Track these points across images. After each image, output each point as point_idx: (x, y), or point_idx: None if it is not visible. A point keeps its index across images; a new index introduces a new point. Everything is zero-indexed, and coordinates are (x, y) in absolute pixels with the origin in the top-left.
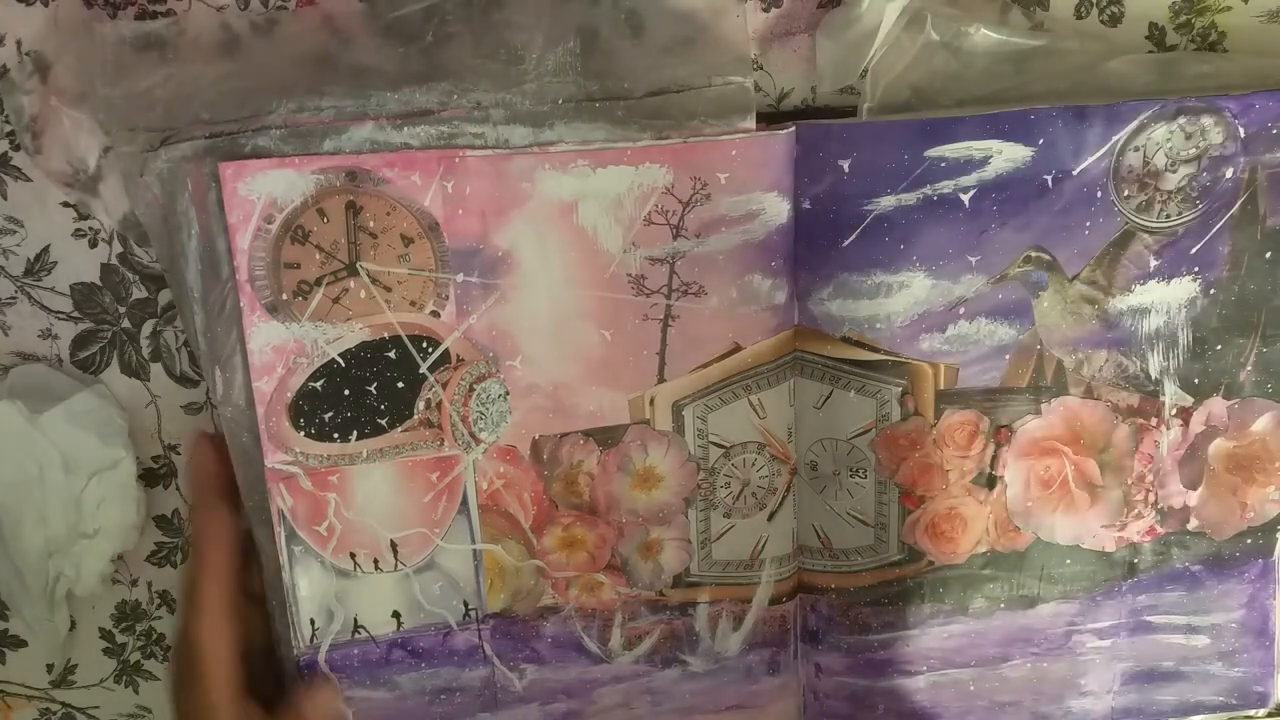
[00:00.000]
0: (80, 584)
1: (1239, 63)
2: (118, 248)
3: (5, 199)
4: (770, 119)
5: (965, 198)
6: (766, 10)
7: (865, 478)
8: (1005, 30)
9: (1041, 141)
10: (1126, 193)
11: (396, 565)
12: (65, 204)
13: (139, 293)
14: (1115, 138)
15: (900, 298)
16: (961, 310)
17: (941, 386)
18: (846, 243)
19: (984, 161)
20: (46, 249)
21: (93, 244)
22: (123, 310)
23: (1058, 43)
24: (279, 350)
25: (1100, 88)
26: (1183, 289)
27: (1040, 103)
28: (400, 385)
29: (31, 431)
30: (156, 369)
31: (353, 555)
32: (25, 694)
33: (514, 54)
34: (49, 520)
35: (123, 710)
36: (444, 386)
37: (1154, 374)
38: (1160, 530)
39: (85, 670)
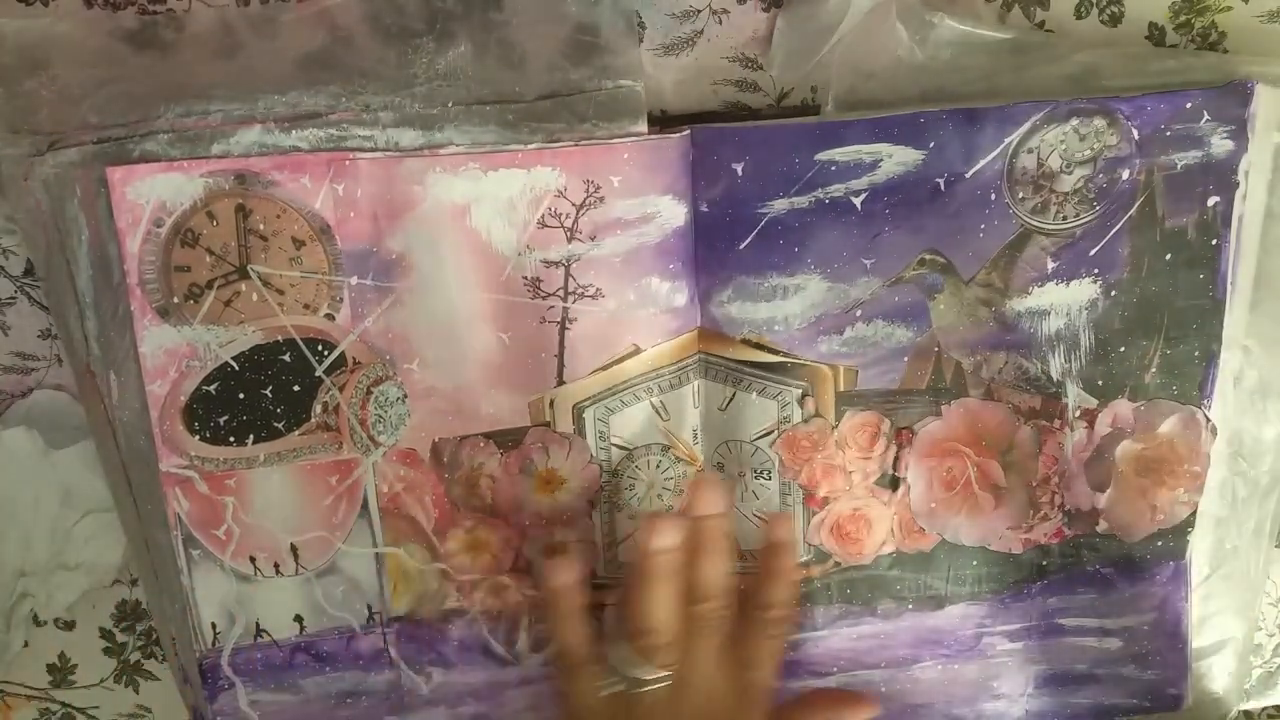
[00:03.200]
0: (48, 610)
1: (1207, 59)
2: None
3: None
4: (770, 117)
5: (857, 201)
6: (766, 10)
7: (770, 479)
8: (970, 21)
9: (932, 145)
10: (1021, 195)
11: (297, 569)
12: None
13: None
14: (1007, 140)
15: (797, 300)
16: (858, 313)
17: (841, 388)
18: (743, 245)
19: (874, 165)
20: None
21: None
22: None
23: (1025, 36)
24: (171, 353)
25: (1069, 81)
26: (1082, 291)
27: (1008, 96)
28: (296, 388)
29: (42, 463)
30: None
31: (252, 559)
32: (25, 694)
33: (404, 57)
34: (32, 544)
35: (123, 710)
36: (341, 390)
37: (1056, 376)
38: (1068, 532)
39: (85, 670)
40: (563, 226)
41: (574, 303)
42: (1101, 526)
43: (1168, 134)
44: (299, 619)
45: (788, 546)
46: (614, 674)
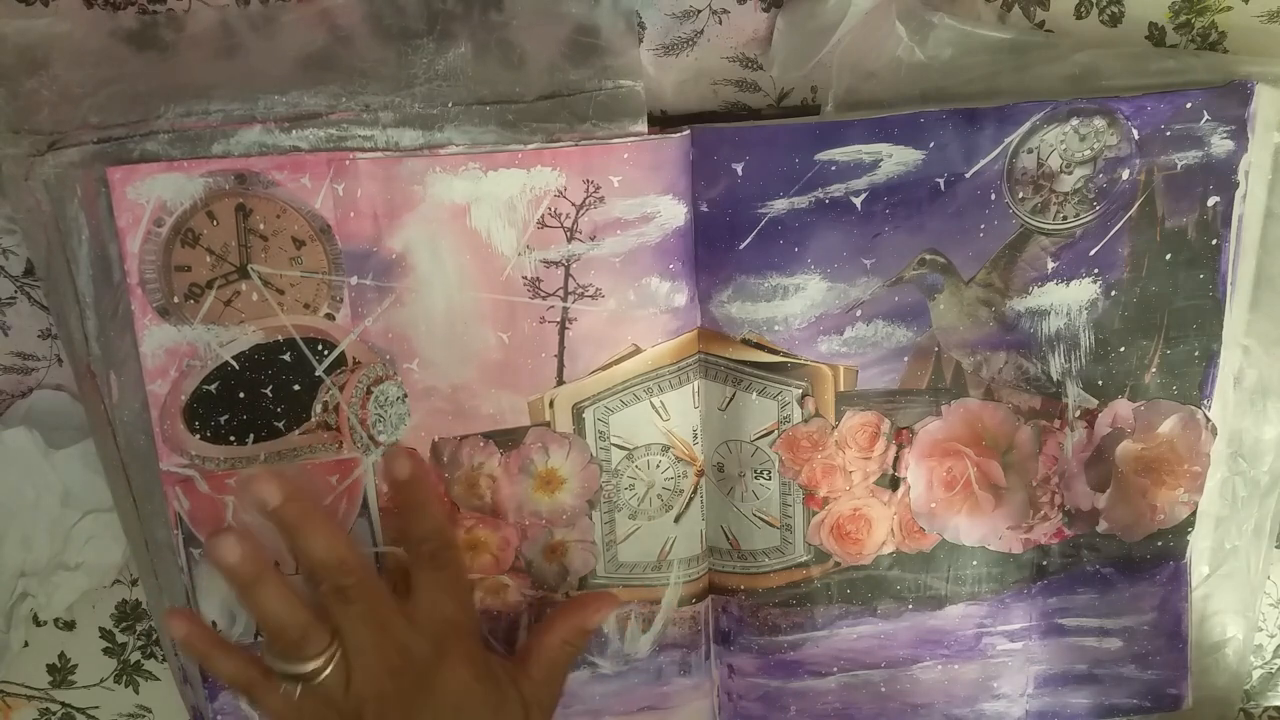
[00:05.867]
0: (48, 610)
1: (1207, 59)
2: None
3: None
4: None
5: (857, 201)
6: (766, 10)
7: (770, 479)
8: (970, 21)
9: (932, 145)
10: (1021, 195)
11: (297, 568)
12: None
13: None
14: (1007, 140)
15: (797, 300)
16: (858, 313)
17: (841, 388)
18: (743, 245)
19: (874, 165)
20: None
21: None
22: None
23: (1025, 36)
24: (171, 353)
25: (1069, 81)
26: (1083, 291)
27: (1008, 96)
28: (296, 388)
29: (42, 463)
30: None
31: None
32: (25, 694)
33: (404, 57)
34: (32, 544)
35: (123, 710)
36: (341, 389)
37: (1056, 376)
38: (1068, 532)
39: (85, 670)
40: (563, 226)
41: (574, 303)
42: (1101, 526)
43: (1168, 134)
44: None
45: (412, 480)
46: (284, 683)
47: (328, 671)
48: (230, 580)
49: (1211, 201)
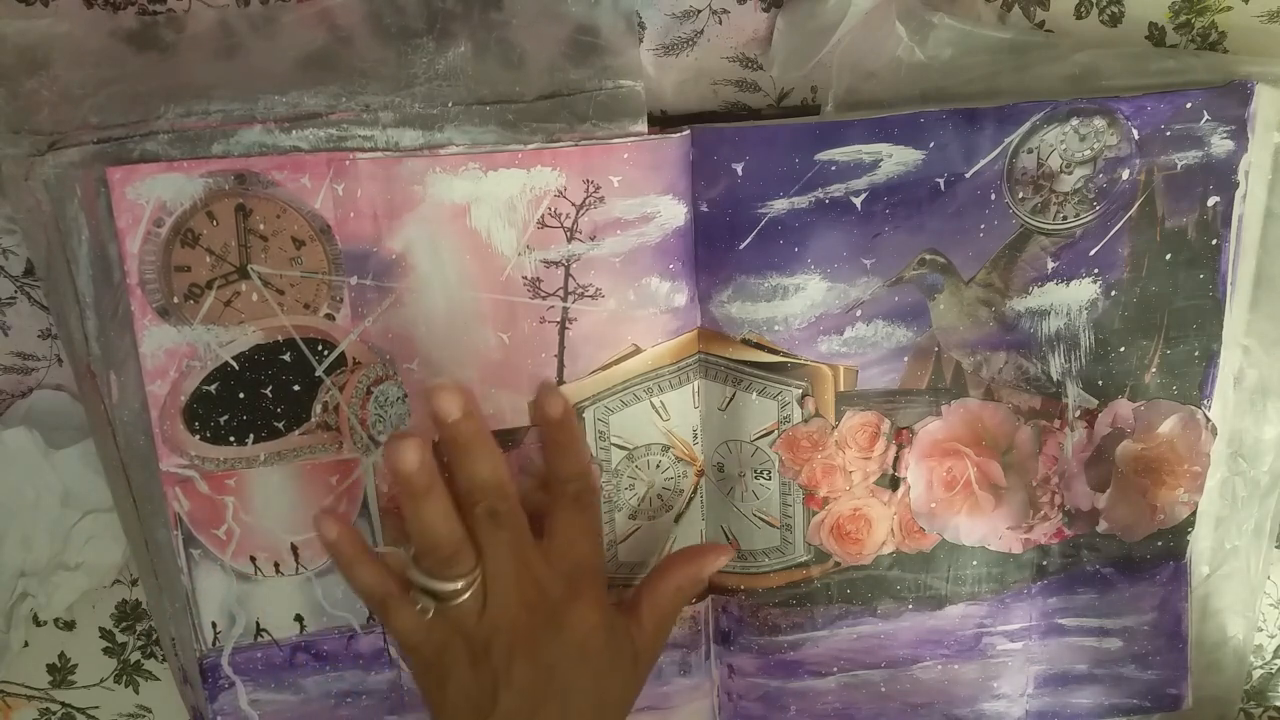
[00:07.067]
0: (48, 610)
1: (1207, 59)
2: None
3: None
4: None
5: (857, 201)
6: (766, 10)
7: (770, 479)
8: (970, 21)
9: (932, 145)
10: (1021, 195)
11: (298, 569)
12: None
13: None
14: (1007, 140)
15: (797, 300)
16: (858, 312)
17: (841, 388)
18: (743, 245)
19: (874, 165)
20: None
21: None
22: None
23: (1025, 36)
24: (171, 353)
25: (1069, 81)
26: (1083, 291)
27: (1008, 96)
28: (296, 388)
29: (42, 463)
30: None
31: (253, 559)
32: (25, 694)
33: (404, 57)
34: (32, 545)
35: (123, 710)
36: (341, 389)
37: (1056, 376)
38: (1068, 532)
39: (85, 670)
40: (563, 226)
41: (574, 303)
42: (1101, 526)
43: (1168, 134)
44: (299, 619)
45: (564, 420)
46: (421, 599)
47: (467, 595)
48: (401, 486)
49: (1211, 201)
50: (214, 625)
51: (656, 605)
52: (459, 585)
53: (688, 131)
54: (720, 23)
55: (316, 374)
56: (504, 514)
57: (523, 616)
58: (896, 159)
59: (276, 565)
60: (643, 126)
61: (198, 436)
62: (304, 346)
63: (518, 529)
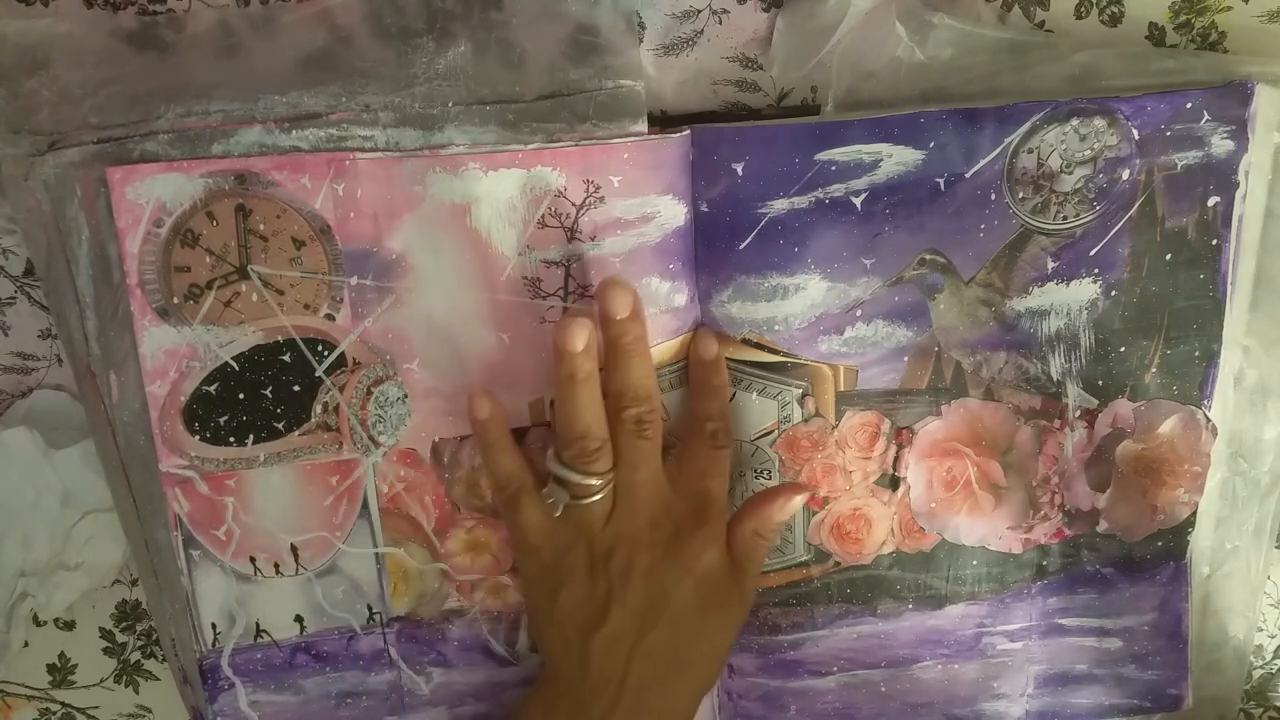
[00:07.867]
0: (48, 610)
1: (1207, 59)
2: None
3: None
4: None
5: (857, 201)
6: (766, 10)
7: (770, 479)
8: (970, 21)
9: (932, 145)
10: (1021, 195)
11: (298, 569)
12: None
13: None
14: (1007, 140)
15: (797, 300)
16: (858, 312)
17: (841, 388)
18: (743, 245)
19: (874, 165)
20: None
21: None
22: None
23: (1025, 36)
24: (171, 354)
25: (1069, 81)
26: (1083, 291)
27: (1008, 96)
28: (296, 389)
29: (43, 463)
30: None
31: (253, 559)
32: (25, 694)
33: (404, 57)
34: (32, 544)
35: (123, 710)
36: (341, 390)
37: (1056, 376)
38: (1069, 532)
39: (85, 670)
40: (563, 226)
41: (574, 303)
42: (1101, 526)
43: (1168, 134)
44: (299, 619)
45: (716, 361)
46: (555, 493)
47: (598, 496)
48: (562, 368)
49: (1211, 201)
50: (214, 626)
51: (736, 549)
52: (596, 483)
53: (688, 131)
54: (720, 23)
55: (316, 374)
56: (650, 424)
57: (646, 533)
58: (896, 159)
59: (276, 566)
60: (643, 126)
61: (197, 437)
62: (304, 347)
63: (657, 446)
